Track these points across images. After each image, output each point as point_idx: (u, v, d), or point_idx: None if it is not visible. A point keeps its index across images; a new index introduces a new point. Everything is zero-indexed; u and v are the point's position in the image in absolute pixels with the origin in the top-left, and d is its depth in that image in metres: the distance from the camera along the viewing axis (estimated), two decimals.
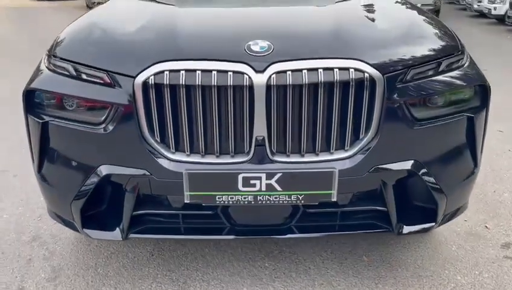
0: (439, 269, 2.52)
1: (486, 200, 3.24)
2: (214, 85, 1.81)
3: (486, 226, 2.93)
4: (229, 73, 1.82)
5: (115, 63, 1.93)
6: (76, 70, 1.99)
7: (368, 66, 1.86)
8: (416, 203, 2.12)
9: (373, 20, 2.25)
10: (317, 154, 1.93)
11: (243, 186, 1.88)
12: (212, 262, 2.56)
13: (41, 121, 2.03)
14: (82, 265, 2.54)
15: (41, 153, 2.10)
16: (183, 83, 1.82)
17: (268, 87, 1.82)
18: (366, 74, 1.85)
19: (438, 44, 2.12)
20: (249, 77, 1.81)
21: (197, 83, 1.82)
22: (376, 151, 1.93)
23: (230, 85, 1.81)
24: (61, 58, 2.05)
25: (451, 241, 2.75)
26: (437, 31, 2.23)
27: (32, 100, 2.10)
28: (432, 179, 2.02)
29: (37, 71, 2.18)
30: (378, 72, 1.86)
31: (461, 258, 2.62)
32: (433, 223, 2.11)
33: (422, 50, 2.04)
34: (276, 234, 2.08)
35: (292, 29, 2.05)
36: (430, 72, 1.99)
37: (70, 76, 2.00)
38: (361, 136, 1.94)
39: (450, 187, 2.10)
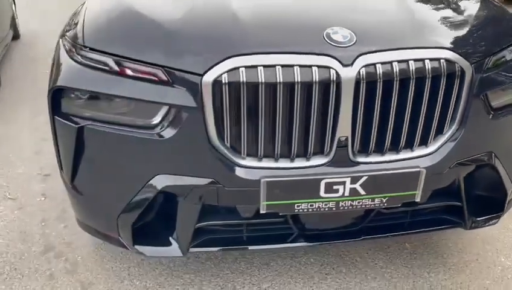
0: (482, 252, 2.49)
1: None
2: (297, 82, 1.59)
3: None
4: (314, 68, 1.60)
5: (172, 57, 1.64)
6: (119, 64, 1.68)
7: (458, 55, 1.70)
8: (484, 195, 2.04)
9: (449, 3, 2.04)
10: (398, 153, 1.78)
11: (325, 192, 1.70)
12: (255, 262, 2.39)
13: (76, 125, 1.72)
14: (114, 277, 2.28)
15: (75, 161, 1.80)
16: (262, 81, 1.58)
17: (357, 82, 1.62)
18: (457, 65, 1.69)
19: (508, 27, 2.00)
20: (336, 72, 1.60)
21: (277, 80, 1.58)
22: (459, 145, 1.81)
23: (315, 81, 1.59)
24: (95, 50, 1.73)
25: None
26: (500, 13, 2.10)
27: (60, 101, 1.78)
28: (504, 170, 1.95)
29: (58, 64, 1.83)
30: (467, 61, 1.72)
31: (497, 237, 2.60)
32: (501, 213, 2.06)
33: (497, 34, 1.92)
34: (350, 237, 1.94)
35: (371, 14, 1.82)
36: (508, 57, 1.88)
37: (111, 72, 1.69)
38: (445, 131, 1.80)
39: None
